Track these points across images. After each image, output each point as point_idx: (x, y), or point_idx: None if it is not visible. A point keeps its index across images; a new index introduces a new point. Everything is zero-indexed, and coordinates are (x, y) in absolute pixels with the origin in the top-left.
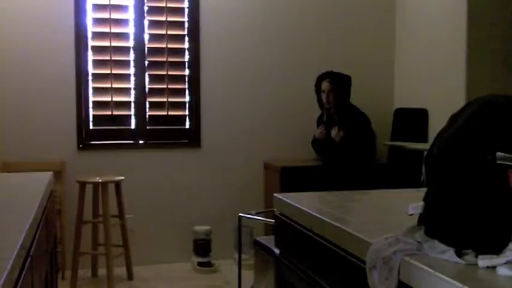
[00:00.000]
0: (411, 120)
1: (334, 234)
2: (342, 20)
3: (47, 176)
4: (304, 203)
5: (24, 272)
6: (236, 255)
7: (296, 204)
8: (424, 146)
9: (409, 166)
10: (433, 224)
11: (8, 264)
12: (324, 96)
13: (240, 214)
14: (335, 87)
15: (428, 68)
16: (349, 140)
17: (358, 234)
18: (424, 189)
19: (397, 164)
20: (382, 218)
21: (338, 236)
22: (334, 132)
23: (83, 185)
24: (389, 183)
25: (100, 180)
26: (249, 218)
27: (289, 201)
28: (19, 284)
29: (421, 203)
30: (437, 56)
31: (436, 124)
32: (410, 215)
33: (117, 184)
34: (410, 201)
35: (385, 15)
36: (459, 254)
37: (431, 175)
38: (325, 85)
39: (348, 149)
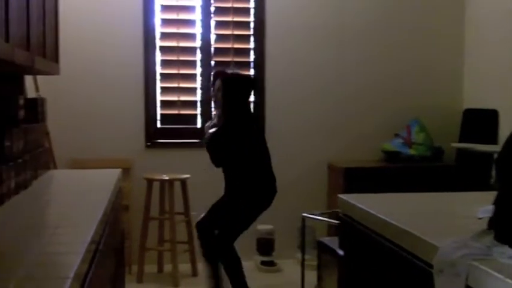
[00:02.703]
0: (481, 121)
1: (400, 236)
2: (409, 20)
3: (116, 173)
4: (369, 204)
5: (93, 266)
6: (299, 255)
7: (361, 206)
8: (494, 148)
9: (478, 168)
10: (503, 228)
11: (78, 259)
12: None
13: (304, 214)
14: (224, 87)
15: (498, 68)
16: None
17: (425, 238)
18: (494, 192)
19: (465, 165)
20: (449, 221)
21: (404, 239)
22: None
23: (150, 182)
24: (457, 185)
25: (167, 178)
26: (312, 218)
27: (353, 202)
28: (88, 278)
29: (491, 207)
30: (508, 56)
31: (507, 125)
32: (480, 218)
33: (183, 182)
34: (479, 204)
35: (454, 13)
36: None
37: (502, 178)
38: (217, 83)
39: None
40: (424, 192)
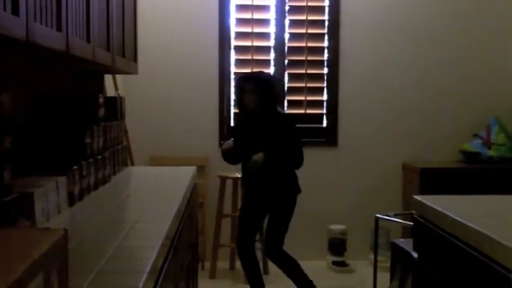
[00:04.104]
0: None
1: (478, 239)
2: (487, 19)
3: (191, 170)
4: (446, 206)
5: (167, 261)
6: (372, 256)
7: (437, 208)
8: None
9: None
10: None
11: (153, 253)
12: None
13: (377, 215)
14: (261, 88)
15: None
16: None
17: (503, 241)
18: None
19: None
20: None
21: (481, 242)
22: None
23: (223, 179)
24: None
25: (240, 176)
26: (386, 219)
27: (429, 203)
28: (163, 272)
29: None
30: None
31: None
32: None
33: None
34: None
35: None
36: None
37: None
38: (250, 85)
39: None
40: (504, 195)
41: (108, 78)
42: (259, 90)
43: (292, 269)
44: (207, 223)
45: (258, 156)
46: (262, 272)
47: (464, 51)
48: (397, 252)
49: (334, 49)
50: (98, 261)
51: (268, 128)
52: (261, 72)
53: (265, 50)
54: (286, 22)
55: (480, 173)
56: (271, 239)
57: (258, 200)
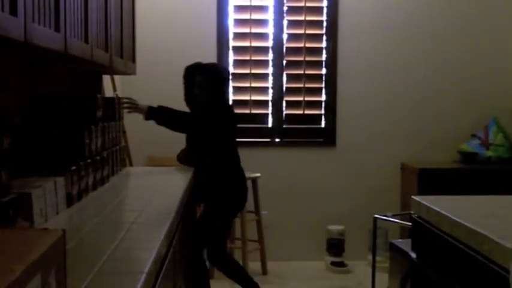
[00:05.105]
0: None
1: (476, 240)
2: (487, 21)
3: (189, 170)
4: (444, 206)
5: (166, 262)
6: (370, 257)
7: (435, 208)
8: None
9: None
10: None
11: (152, 254)
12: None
13: (375, 215)
14: (206, 80)
15: None
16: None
17: (502, 242)
18: None
19: None
20: None
21: (480, 242)
22: None
23: None
24: None
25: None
26: (384, 220)
27: (428, 204)
28: (161, 272)
29: None
30: None
31: None
32: None
33: (254, 181)
34: None
35: None
36: None
37: None
38: (198, 78)
39: None
40: (502, 195)
41: (106, 79)
42: (209, 83)
43: (237, 272)
44: None
45: (143, 105)
46: (261, 272)
47: (464, 51)
48: (395, 253)
49: (332, 50)
50: (96, 262)
51: (221, 123)
52: (214, 64)
53: (264, 50)
54: (285, 23)
55: (478, 174)
56: (215, 244)
57: (208, 207)
